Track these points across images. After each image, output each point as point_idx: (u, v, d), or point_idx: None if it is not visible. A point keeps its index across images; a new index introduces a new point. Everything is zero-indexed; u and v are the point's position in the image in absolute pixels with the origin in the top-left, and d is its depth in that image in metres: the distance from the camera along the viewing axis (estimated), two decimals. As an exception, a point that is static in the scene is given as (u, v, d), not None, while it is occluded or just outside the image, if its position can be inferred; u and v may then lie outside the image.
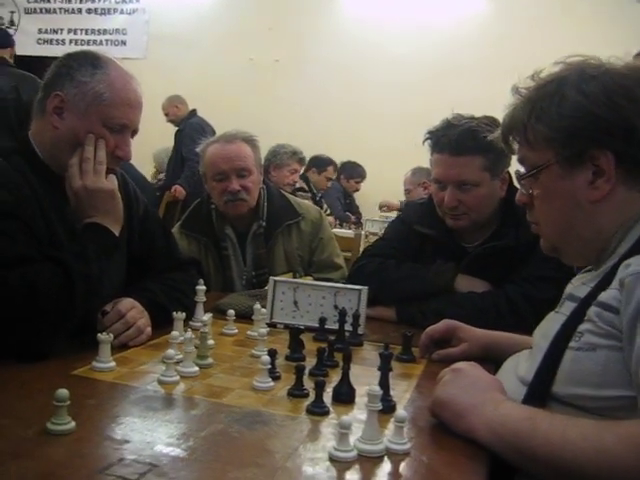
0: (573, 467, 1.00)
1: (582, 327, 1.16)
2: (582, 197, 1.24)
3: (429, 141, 2.17)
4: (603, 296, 1.15)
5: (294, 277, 2.36)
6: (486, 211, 2.15)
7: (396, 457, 1.10)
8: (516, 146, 1.36)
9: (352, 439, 1.09)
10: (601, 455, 0.97)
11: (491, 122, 2.05)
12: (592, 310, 1.15)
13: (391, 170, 6.55)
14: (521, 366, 1.32)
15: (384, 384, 1.29)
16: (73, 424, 1.07)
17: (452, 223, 2.17)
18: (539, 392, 1.19)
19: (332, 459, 1.06)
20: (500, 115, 1.41)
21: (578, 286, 1.31)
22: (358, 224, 5.99)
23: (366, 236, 4.50)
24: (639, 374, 1.02)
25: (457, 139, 2.06)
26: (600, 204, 1.23)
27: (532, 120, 1.26)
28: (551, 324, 1.30)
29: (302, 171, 5.99)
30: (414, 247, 2.26)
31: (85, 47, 7.61)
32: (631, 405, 1.05)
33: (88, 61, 1.67)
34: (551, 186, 1.27)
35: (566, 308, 1.28)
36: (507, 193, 2.14)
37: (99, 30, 8.17)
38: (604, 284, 1.17)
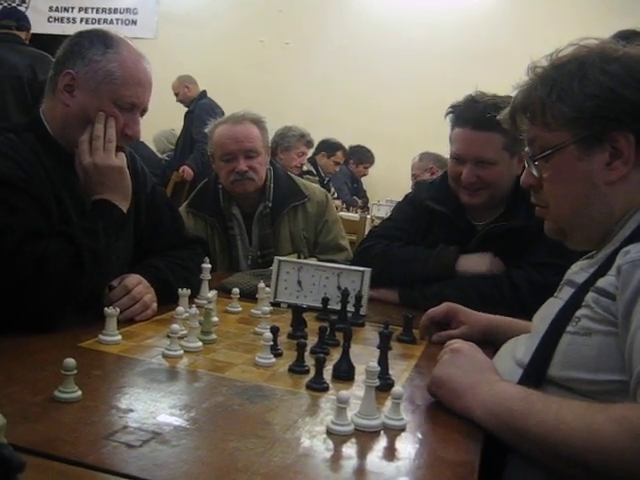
0: (565, 447, 1.02)
1: (579, 312, 1.18)
2: (598, 179, 1.23)
3: (450, 116, 2.17)
4: (601, 282, 1.16)
5: (299, 258, 2.38)
6: (503, 188, 2.14)
7: (392, 432, 1.13)
8: (524, 126, 1.35)
9: (350, 414, 1.12)
10: (592, 435, 0.99)
11: None
12: (590, 296, 1.17)
13: (398, 155, 6.56)
14: (519, 349, 1.34)
15: (383, 362, 1.32)
16: (80, 393, 1.11)
17: (467, 199, 2.16)
18: (535, 374, 1.21)
19: (330, 432, 1.09)
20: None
21: (577, 272, 1.32)
22: (365, 208, 6.01)
23: (372, 220, 4.53)
24: (632, 359, 1.04)
25: (481, 112, 2.04)
26: (615, 186, 1.23)
27: (552, 99, 1.25)
28: (550, 309, 1.31)
29: (310, 154, 6.00)
30: (421, 227, 2.27)
31: (96, 26, 7.60)
32: (625, 389, 1.06)
33: (100, 40, 1.68)
34: (566, 167, 1.26)
35: (565, 293, 1.30)
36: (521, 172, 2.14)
37: (110, 9, 8.16)
38: (602, 270, 1.18)
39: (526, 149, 1.38)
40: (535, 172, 1.33)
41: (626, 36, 1.48)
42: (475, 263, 2.10)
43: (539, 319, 1.35)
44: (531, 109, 1.31)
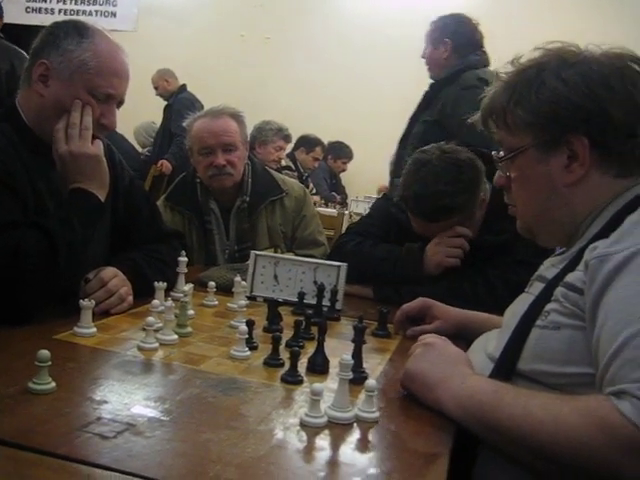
0: (532, 439, 1.04)
1: (549, 307, 1.20)
2: (557, 181, 1.27)
3: (403, 190, 2.10)
4: (569, 277, 1.19)
5: (276, 252, 2.39)
6: (478, 222, 2.13)
7: (365, 425, 1.14)
8: (494, 129, 1.39)
9: (324, 407, 1.13)
10: (558, 427, 1.01)
11: (459, 163, 2.02)
12: (559, 290, 1.19)
13: (378, 152, 6.56)
14: (490, 344, 1.36)
15: (357, 355, 1.34)
16: (53, 384, 1.11)
17: None
18: (505, 368, 1.23)
19: (303, 424, 1.10)
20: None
21: (548, 268, 1.35)
22: (343, 204, 6.02)
23: (350, 216, 4.54)
24: (599, 352, 1.06)
25: (432, 213, 2.03)
26: (574, 188, 1.26)
27: (511, 104, 1.29)
28: (521, 304, 1.34)
29: (289, 150, 6.00)
30: (394, 228, 2.27)
31: (74, 17, 7.53)
32: (592, 382, 1.09)
33: (75, 30, 1.67)
34: (527, 169, 1.31)
35: (535, 288, 1.33)
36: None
37: (89, 0, 8.09)
38: (571, 266, 1.21)
39: (494, 152, 1.42)
40: (502, 173, 1.38)
41: None
42: (433, 252, 2.10)
43: (510, 314, 1.38)
44: (495, 114, 1.35)
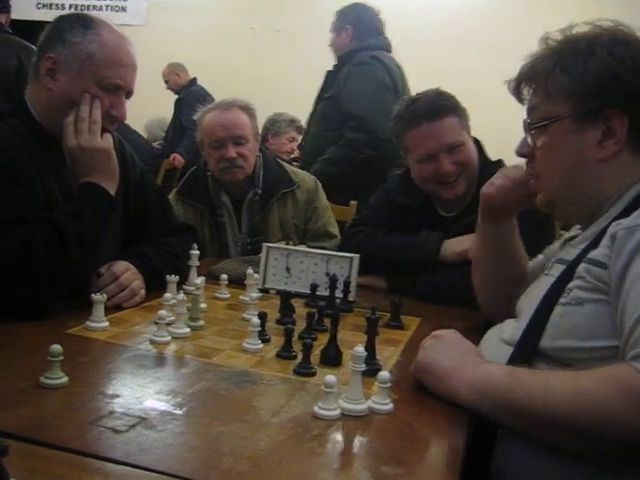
0: (555, 415, 1.02)
1: (571, 284, 1.19)
2: (589, 155, 1.26)
3: (397, 127, 2.19)
4: (592, 254, 1.17)
5: (288, 245, 2.38)
6: (475, 168, 2.16)
7: (378, 417, 1.14)
8: (527, 95, 1.37)
9: (337, 399, 1.12)
10: (581, 397, 1.00)
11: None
12: (581, 267, 1.18)
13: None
14: (505, 331, 1.35)
15: (370, 347, 1.33)
16: (66, 379, 1.11)
17: (449, 193, 2.14)
18: (527, 348, 1.21)
19: (316, 417, 1.09)
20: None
21: (567, 250, 1.35)
22: (355, 195, 5.98)
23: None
24: (624, 320, 1.04)
25: (428, 105, 2.10)
26: (604, 165, 1.25)
27: (557, 70, 1.28)
28: (540, 286, 1.32)
29: (300, 141, 5.99)
30: (397, 216, 2.26)
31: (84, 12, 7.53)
32: (616, 355, 1.07)
33: (80, 22, 1.67)
34: (560, 139, 1.29)
35: (555, 270, 1.31)
36: (479, 156, 2.18)
37: (99, -5, 8.10)
38: (594, 244, 1.20)
39: (525, 118, 1.39)
40: (530, 141, 1.36)
41: None
42: (457, 242, 2.09)
43: (527, 299, 1.36)
44: (535, 79, 1.33)
